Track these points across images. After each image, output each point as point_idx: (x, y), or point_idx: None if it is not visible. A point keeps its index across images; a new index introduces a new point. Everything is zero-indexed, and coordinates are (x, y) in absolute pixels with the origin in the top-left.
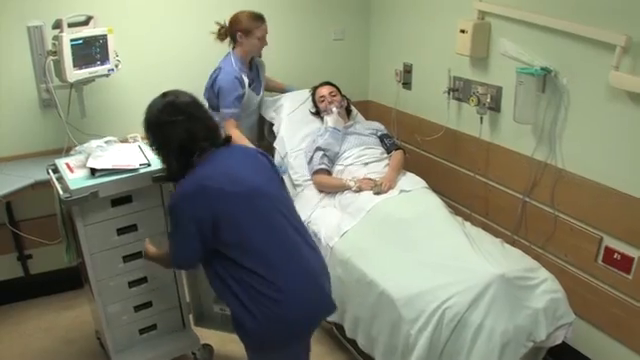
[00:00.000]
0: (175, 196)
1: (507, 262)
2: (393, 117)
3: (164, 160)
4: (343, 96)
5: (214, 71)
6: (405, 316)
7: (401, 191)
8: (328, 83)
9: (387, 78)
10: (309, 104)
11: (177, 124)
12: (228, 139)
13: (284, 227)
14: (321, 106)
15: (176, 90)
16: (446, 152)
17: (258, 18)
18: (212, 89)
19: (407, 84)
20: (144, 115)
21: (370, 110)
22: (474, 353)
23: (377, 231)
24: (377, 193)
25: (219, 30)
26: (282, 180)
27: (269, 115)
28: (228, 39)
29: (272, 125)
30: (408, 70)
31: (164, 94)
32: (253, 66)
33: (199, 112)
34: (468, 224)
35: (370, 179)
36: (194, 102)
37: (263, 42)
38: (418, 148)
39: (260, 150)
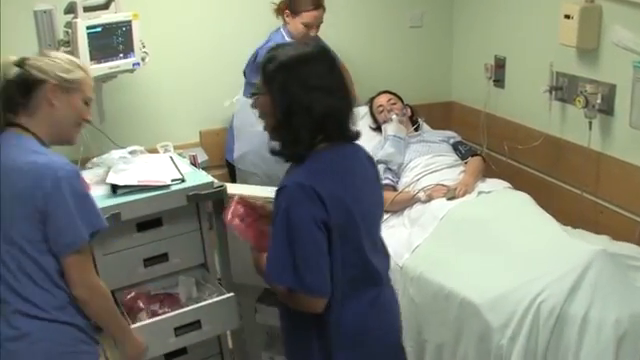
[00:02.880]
0: (294, 191)
1: (612, 245)
2: (482, 121)
3: (293, 129)
4: (406, 105)
5: (264, 42)
6: (493, 323)
7: (479, 193)
8: (386, 92)
9: (475, 74)
10: (368, 120)
11: (320, 92)
12: (358, 133)
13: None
14: (380, 117)
15: (323, 45)
16: (546, 164)
17: (313, 0)
18: (254, 62)
19: (499, 81)
20: (278, 58)
21: (453, 113)
22: (583, 354)
23: (453, 238)
24: (450, 199)
25: (276, 6)
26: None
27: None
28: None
29: None
30: (500, 64)
31: (307, 43)
32: None
33: (345, 84)
34: (569, 228)
35: (442, 185)
36: (340, 68)
37: (311, 30)
38: (510, 159)
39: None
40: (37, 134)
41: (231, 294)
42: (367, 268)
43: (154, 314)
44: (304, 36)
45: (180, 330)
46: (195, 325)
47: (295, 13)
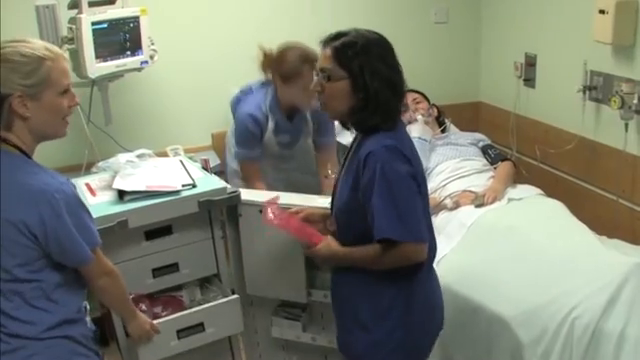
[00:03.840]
0: (384, 152)
1: None
2: (511, 123)
3: (374, 103)
4: (432, 105)
5: (241, 91)
6: (524, 339)
7: (510, 200)
8: (411, 90)
9: (504, 73)
10: None
11: (392, 66)
12: None
13: None
14: (404, 117)
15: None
16: (579, 169)
17: (305, 61)
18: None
19: (530, 80)
20: (352, 41)
21: (481, 114)
22: None
23: (481, 248)
24: (479, 206)
25: (262, 60)
26: None
27: (346, 139)
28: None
29: None
30: (531, 62)
31: (359, 29)
32: (297, 119)
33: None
34: (604, 237)
35: (470, 191)
36: None
37: (308, 94)
38: (542, 163)
39: None
40: (22, 148)
41: (235, 296)
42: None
43: (156, 316)
44: (304, 102)
45: (183, 333)
46: (198, 328)
47: (288, 79)
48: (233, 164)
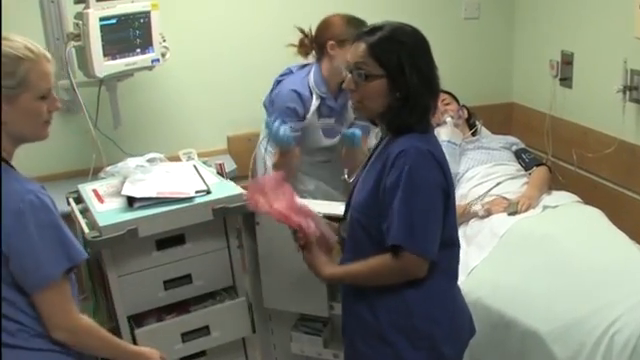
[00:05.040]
0: (416, 155)
1: None
2: (547, 125)
3: (418, 102)
4: (462, 106)
5: (280, 75)
6: (559, 355)
7: (545, 207)
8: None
9: (539, 72)
10: None
11: (430, 61)
12: None
13: None
14: (433, 120)
15: None
16: (619, 174)
17: (359, 24)
18: (270, 95)
19: (566, 80)
20: (389, 38)
21: (514, 115)
22: None
23: (514, 259)
24: (512, 213)
25: (301, 40)
26: None
27: (371, 142)
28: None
29: None
30: (568, 61)
31: (390, 21)
32: (341, 97)
33: None
34: None
35: (503, 198)
36: None
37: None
38: (579, 168)
39: None
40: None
41: (242, 298)
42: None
43: (160, 319)
44: (340, 80)
45: (188, 336)
46: (203, 331)
47: (343, 41)
48: (261, 166)
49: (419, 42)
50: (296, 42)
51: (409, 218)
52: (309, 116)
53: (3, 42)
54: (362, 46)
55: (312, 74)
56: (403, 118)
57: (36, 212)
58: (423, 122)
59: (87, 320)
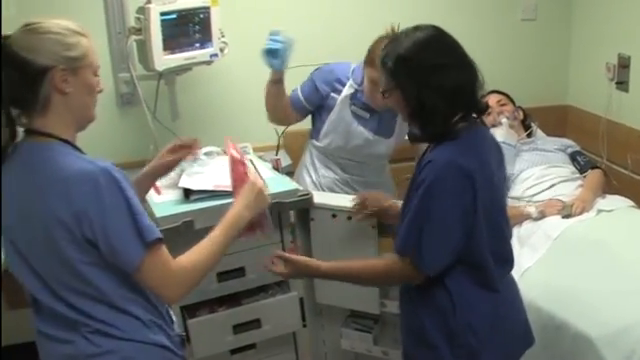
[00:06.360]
0: (442, 167)
1: None
2: (602, 129)
3: (428, 111)
4: (518, 107)
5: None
6: None
7: (599, 211)
8: (495, 91)
9: (595, 75)
10: None
11: (448, 69)
12: (487, 105)
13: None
14: (488, 120)
15: (432, 25)
16: None
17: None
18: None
19: (623, 83)
20: (395, 52)
21: (569, 118)
22: None
23: (567, 261)
24: (566, 216)
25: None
26: None
27: None
28: None
29: None
30: (625, 64)
31: (417, 27)
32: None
33: (467, 57)
34: None
35: (557, 200)
36: (458, 43)
37: (367, 92)
38: (634, 172)
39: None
40: (60, 136)
41: (294, 293)
42: (504, 253)
43: (212, 311)
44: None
45: (239, 328)
46: (254, 324)
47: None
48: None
49: (429, 50)
50: (348, 39)
51: (417, 229)
52: (340, 99)
53: (58, 20)
54: (377, 61)
55: (352, 74)
56: (423, 128)
57: (119, 184)
58: (444, 130)
59: (183, 260)
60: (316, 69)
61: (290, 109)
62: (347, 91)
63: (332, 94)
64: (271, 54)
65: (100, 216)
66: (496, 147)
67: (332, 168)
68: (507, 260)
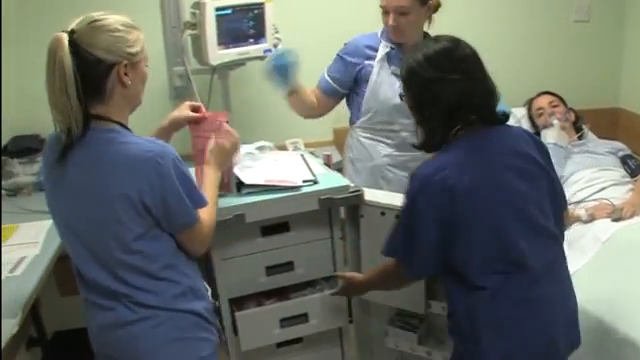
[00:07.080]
0: (419, 180)
1: None
2: None
3: (423, 124)
4: (569, 109)
5: None
6: None
7: None
8: (547, 92)
9: None
10: (525, 123)
11: (448, 83)
12: (505, 115)
13: None
14: (539, 121)
15: (452, 36)
16: None
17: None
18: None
19: None
20: (407, 63)
21: (621, 121)
22: None
23: (616, 265)
24: (616, 220)
25: None
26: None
27: None
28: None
29: None
30: None
31: (436, 38)
32: None
33: (479, 70)
34: None
35: (607, 202)
36: (474, 55)
37: (388, 18)
38: None
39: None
40: (120, 121)
41: None
42: (511, 253)
43: (260, 304)
44: (388, 28)
45: (286, 322)
46: (302, 318)
47: None
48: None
49: (434, 66)
50: None
51: (407, 237)
52: (378, 59)
53: (115, 16)
54: None
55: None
56: (421, 137)
57: (175, 163)
58: (435, 140)
59: (207, 220)
60: (340, 49)
61: (321, 98)
62: (382, 51)
63: (366, 62)
64: (278, 72)
65: (161, 187)
66: (524, 144)
67: (381, 146)
68: (518, 264)
